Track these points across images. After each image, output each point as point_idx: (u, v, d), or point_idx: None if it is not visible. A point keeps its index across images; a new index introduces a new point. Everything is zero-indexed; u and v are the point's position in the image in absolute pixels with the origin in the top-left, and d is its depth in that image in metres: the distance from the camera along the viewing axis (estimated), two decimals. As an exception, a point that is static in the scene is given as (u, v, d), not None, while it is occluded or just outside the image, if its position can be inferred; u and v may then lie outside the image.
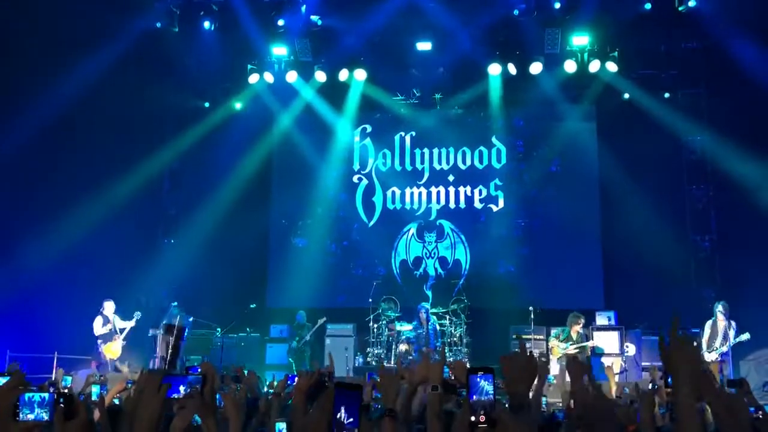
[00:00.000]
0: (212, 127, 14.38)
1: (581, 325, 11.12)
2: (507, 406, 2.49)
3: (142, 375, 2.79)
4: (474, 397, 2.14)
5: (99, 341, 11.68)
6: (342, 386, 2.14)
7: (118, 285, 12.73)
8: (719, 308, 10.77)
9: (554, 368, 11.18)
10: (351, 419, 2.09)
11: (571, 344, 11.01)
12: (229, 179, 14.21)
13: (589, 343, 11.31)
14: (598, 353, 11.64)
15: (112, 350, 11.74)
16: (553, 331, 11.61)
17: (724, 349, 10.54)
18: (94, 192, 12.53)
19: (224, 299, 12.93)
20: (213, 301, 12.61)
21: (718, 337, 10.67)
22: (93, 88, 12.42)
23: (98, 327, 11.71)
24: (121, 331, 11.78)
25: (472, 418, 2.11)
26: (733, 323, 10.69)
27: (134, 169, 13.31)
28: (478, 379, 2.17)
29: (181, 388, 2.62)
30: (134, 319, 11.83)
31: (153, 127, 13.74)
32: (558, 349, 11.10)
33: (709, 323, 10.84)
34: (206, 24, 13.75)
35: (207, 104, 14.75)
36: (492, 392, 2.15)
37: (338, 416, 2.09)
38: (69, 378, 7.29)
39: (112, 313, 11.85)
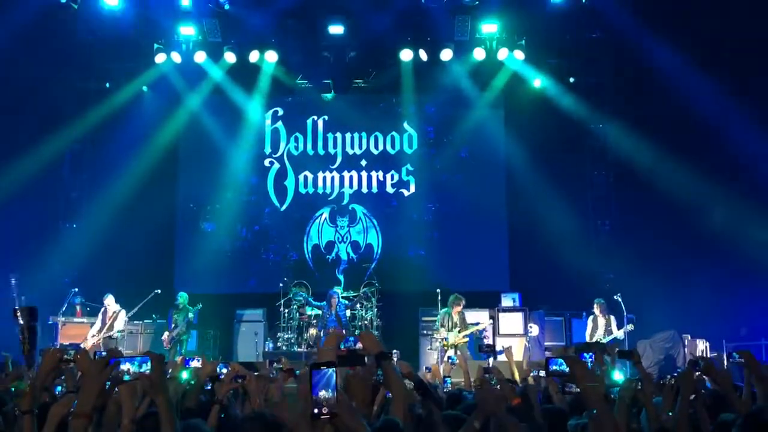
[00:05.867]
0: (116, 107, 13.85)
1: (462, 306, 11.32)
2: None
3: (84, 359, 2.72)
4: (318, 390, 2.18)
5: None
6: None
7: (16, 271, 12.18)
8: (596, 306, 11.54)
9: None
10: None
11: (458, 330, 11.20)
12: (134, 162, 13.73)
13: (477, 327, 11.54)
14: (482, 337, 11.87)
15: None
16: (436, 321, 11.63)
17: (606, 341, 11.15)
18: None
19: (129, 285, 12.53)
20: (117, 287, 12.18)
21: (598, 330, 11.45)
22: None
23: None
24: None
25: (315, 411, 2.16)
26: (612, 318, 11.49)
27: (31, 151, 12.71)
28: (322, 373, 2.20)
29: (125, 366, 2.53)
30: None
31: (51, 107, 13.15)
32: (451, 339, 11.19)
33: (590, 318, 11.66)
34: (110, 0, 13.22)
35: (108, 84, 14.18)
36: (335, 385, 2.19)
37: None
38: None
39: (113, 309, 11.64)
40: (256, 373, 5.00)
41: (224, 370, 4.88)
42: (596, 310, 11.55)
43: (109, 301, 11.66)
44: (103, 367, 2.35)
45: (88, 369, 2.40)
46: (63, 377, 4.57)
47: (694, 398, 3.49)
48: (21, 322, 3.84)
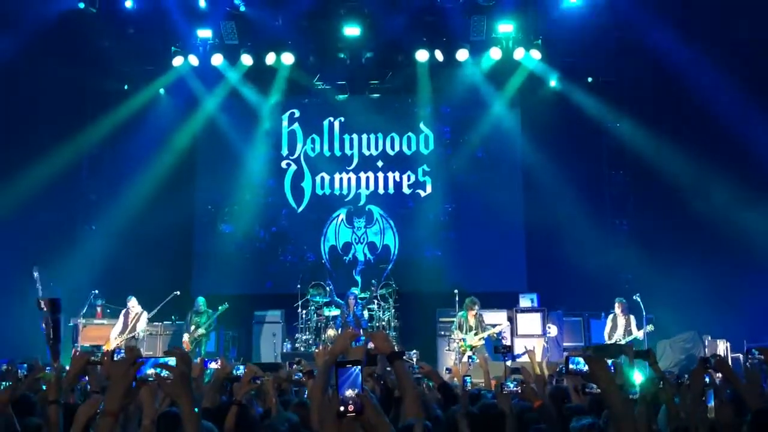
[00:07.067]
0: (134, 110, 14.00)
1: (477, 309, 11.33)
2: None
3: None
4: (345, 388, 2.17)
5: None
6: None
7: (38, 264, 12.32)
8: (616, 305, 11.48)
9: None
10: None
11: (474, 333, 11.19)
12: (152, 164, 13.87)
13: (494, 330, 11.51)
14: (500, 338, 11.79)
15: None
16: (453, 323, 11.68)
17: (625, 341, 11.08)
18: (9, 178, 12.09)
19: (148, 287, 12.61)
20: (136, 288, 12.29)
21: (617, 330, 11.39)
22: (7, 69, 11.99)
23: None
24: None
25: (341, 408, 2.15)
26: (632, 318, 11.39)
27: (52, 153, 12.85)
28: (348, 371, 2.19)
29: (150, 371, 2.55)
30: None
31: (70, 110, 13.29)
32: (466, 343, 11.19)
33: (610, 317, 11.60)
34: (128, 4, 13.34)
35: (126, 87, 14.31)
36: (360, 384, 2.19)
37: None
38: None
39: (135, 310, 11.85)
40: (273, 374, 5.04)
41: (244, 370, 4.91)
42: (617, 309, 11.46)
43: (133, 303, 11.79)
44: (129, 366, 2.38)
45: (114, 369, 2.43)
46: (86, 378, 4.64)
47: (717, 400, 3.45)
48: (45, 310, 3.89)
